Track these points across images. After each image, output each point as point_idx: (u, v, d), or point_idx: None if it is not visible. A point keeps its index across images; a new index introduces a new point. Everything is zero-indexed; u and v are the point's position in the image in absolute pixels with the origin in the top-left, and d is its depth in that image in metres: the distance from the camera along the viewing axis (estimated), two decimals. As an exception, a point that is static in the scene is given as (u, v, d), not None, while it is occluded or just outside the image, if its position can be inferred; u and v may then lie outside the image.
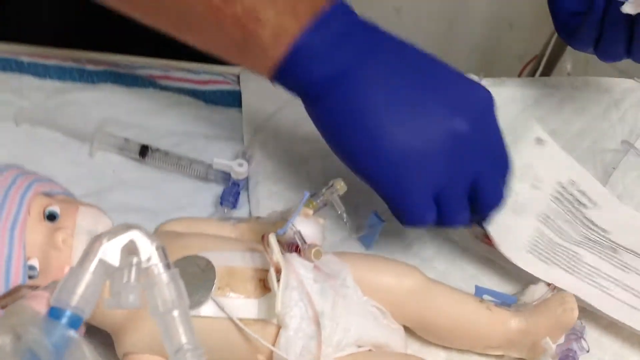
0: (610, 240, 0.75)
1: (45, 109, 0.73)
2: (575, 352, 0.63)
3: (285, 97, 0.78)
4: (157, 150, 0.72)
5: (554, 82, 0.90)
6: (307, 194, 0.60)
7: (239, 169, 0.70)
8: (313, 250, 0.59)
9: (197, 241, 0.58)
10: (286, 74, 0.59)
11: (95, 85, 0.76)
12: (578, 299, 0.69)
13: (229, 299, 0.55)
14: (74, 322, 0.39)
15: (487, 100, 0.62)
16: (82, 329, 0.55)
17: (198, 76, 0.80)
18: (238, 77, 0.81)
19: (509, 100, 0.87)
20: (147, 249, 0.42)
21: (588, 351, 0.64)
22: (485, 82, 0.87)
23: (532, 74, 1.12)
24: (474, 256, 0.73)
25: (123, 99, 0.76)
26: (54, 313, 0.39)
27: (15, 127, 0.71)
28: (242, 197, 0.72)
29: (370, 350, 0.60)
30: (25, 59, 0.76)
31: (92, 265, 0.40)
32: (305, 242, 0.60)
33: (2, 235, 0.50)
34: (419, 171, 0.59)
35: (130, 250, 0.41)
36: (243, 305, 0.55)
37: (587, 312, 0.69)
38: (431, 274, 0.71)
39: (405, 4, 1.96)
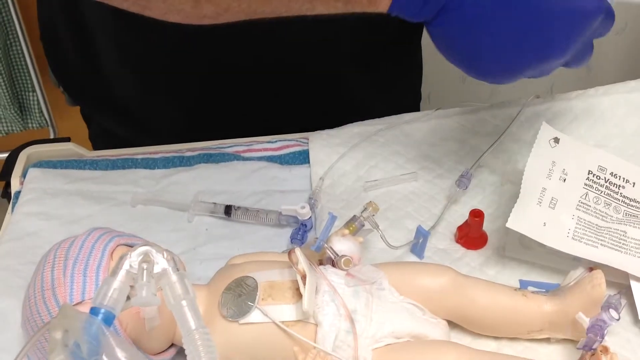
0: None
1: (154, 192, 0.91)
2: (604, 321, 0.68)
3: (343, 149, 0.91)
4: (239, 208, 0.87)
5: (604, 91, 0.95)
6: (331, 214, 0.72)
7: (302, 211, 0.83)
8: (343, 260, 0.71)
9: (249, 266, 0.71)
10: (395, 14, 0.69)
11: (191, 166, 0.93)
12: (617, 275, 0.74)
13: (271, 306, 0.67)
14: (108, 318, 0.54)
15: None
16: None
17: (274, 144, 0.95)
18: (307, 139, 0.95)
19: (560, 113, 0.93)
20: (160, 259, 0.56)
21: (618, 319, 0.68)
22: (535, 102, 0.95)
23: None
24: (521, 262, 0.80)
25: (214, 173, 0.92)
26: (93, 311, 0.54)
27: (131, 208, 0.89)
28: (313, 235, 0.84)
29: (408, 341, 0.69)
30: (139, 156, 0.95)
31: (119, 274, 0.55)
32: (337, 254, 0.71)
33: (90, 275, 0.66)
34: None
35: (148, 260, 0.56)
36: (283, 310, 0.67)
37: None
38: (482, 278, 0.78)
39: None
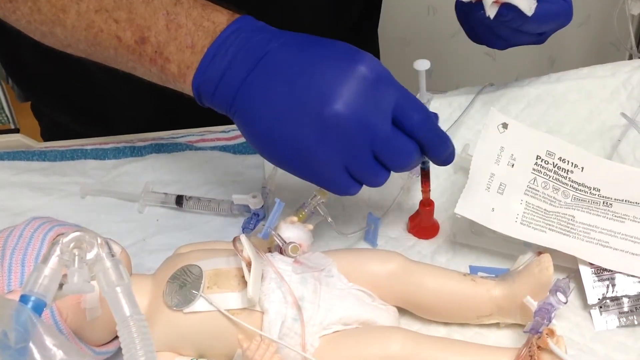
0: (602, 196, 0.79)
1: (104, 183, 0.90)
2: (551, 304, 0.67)
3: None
4: (191, 197, 0.86)
5: (557, 77, 0.95)
6: (278, 201, 0.71)
7: (253, 200, 0.82)
8: (290, 246, 0.70)
9: (195, 255, 0.70)
10: (202, 101, 0.69)
11: (143, 156, 0.92)
12: (566, 259, 0.73)
13: (216, 294, 0.66)
14: (38, 307, 0.52)
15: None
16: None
17: (227, 134, 0.94)
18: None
19: (513, 100, 0.92)
20: (94, 244, 0.55)
21: (566, 302, 0.68)
22: (489, 89, 0.94)
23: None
24: (472, 248, 0.79)
25: (165, 163, 0.91)
26: (23, 299, 0.52)
27: (81, 200, 0.88)
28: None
29: (356, 327, 0.68)
30: (89, 147, 0.94)
31: (50, 261, 0.53)
32: (285, 242, 0.70)
33: (29, 265, 0.65)
34: (314, 161, 0.67)
35: (80, 247, 0.54)
36: (229, 298, 0.66)
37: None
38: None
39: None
